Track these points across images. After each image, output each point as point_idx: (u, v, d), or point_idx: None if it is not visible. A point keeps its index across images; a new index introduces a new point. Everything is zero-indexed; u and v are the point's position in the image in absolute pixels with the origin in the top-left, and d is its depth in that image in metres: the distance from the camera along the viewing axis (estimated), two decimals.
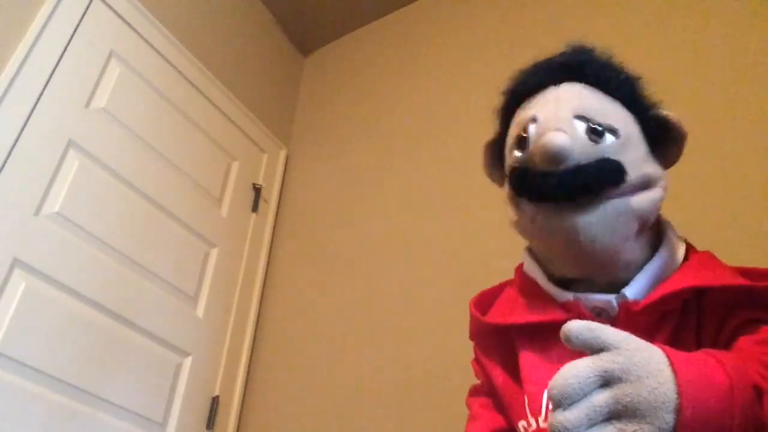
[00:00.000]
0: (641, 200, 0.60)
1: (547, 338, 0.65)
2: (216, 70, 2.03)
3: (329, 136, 2.23)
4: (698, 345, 0.59)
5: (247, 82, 2.19)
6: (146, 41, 1.76)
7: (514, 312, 0.70)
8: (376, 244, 1.81)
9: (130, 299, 1.52)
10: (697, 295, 0.61)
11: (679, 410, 0.40)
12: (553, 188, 0.59)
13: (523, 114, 0.67)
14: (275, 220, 2.15)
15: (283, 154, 2.29)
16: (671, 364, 0.42)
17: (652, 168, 0.63)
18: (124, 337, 1.49)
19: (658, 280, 0.62)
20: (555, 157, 0.58)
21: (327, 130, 2.26)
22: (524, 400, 0.65)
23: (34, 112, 1.40)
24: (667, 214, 0.71)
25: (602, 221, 0.59)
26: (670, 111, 0.67)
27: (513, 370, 0.69)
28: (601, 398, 0.41)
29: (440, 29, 2.14)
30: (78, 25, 1.56)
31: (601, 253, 0.60)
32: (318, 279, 1.88)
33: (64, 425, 1.30)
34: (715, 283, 0.59)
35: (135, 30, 1.73)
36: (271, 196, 2.17)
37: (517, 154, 0.65)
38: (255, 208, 2.07)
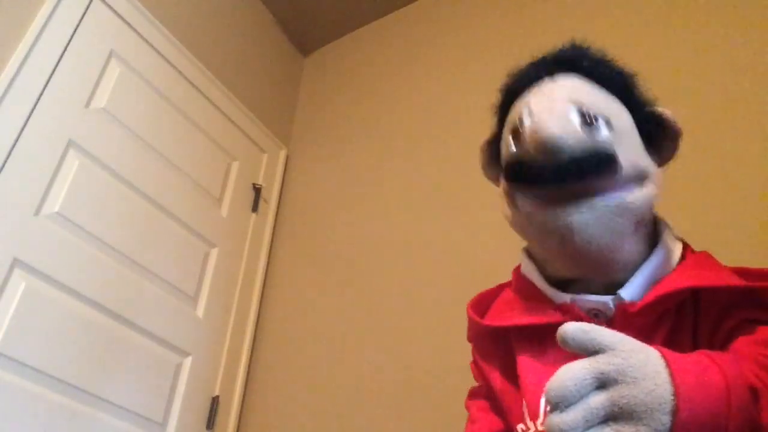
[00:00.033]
0: (636, 196, 0.60)
1: (544, 340, 0.64)
2: (216, 70, 2.03)
3: (329, 136, 2.23)
4: (695, 345, 0.59)
5: (247, 82, 2.19)
6: (146, 41, 1.76)
7: (512, 314, 0.70)
8: (376, 244, 1.81)
9: (130, 299, 1.52)
10: (694, 296, 0.61)
11: (675, 412, 0.40)
12: (546, 177, 0.59)
13: (518, 106, 0.67)
14: (275, 220, 2.15)
15: (283, 154, 2.29)
16: (668, 365, 0.42)
17: (646, 162, 0.63)
18: (124, 337, 1.49)
19: (655, 281, 0.61)
20: (549, 146, 0.58)
21: (327, 130, 2.26)
22: (522, 403, 0.65)
23: (34, 112, 1.40)
24: (666, 214, 0.71)
25: (597, 220, 0.59)
26: (665, 108, 0.67)
27: (511, 372, 0.69)
28: (598, 400, 0.41)
29: (440, 29, 2.14)
30: (78, 25, 1.56)
31: (596, 253, 0.60)
32: (318, 279, 1.88)
33: (64, 425, 1.30)
34: (711, 284, 0.59)
35: (135, 30, 1.73)
36: (271, 196, 2.17)
37: (512, 144, 0.65)
38: (255, 208, 2.07)
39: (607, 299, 0.62)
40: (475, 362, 0.79)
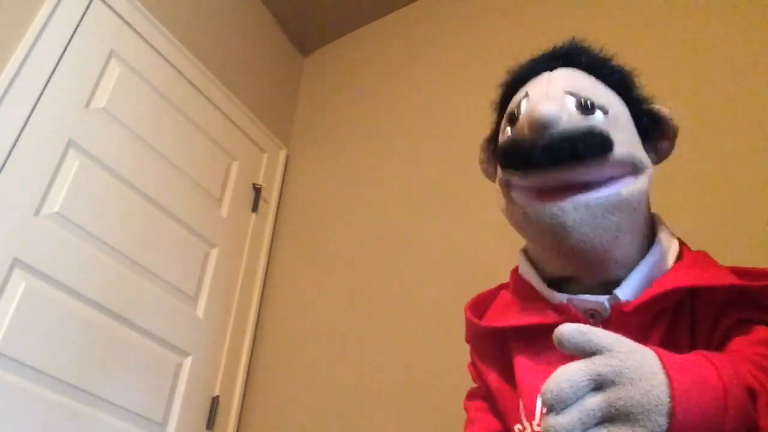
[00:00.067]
0: (631, 189, 0.60)
1: (541, 341, 0.64)
2: (216, 70, 2.03)
3: (329, 136, 2.23)
4: (692, 345, 0.59)
5: (247, 82, 2.19)
6: (146, 41, 1.76)
7: (509, 315, 0.70)
8: (376, 244, 1.81)
9: (130, 299, 1.52)
10: (691, 295, 0.60)
11: (672, 413, 0.40)
12: (539, 155, 0.59)
13: (516, 96, 0.68)
14: (275, 220, 2.15)
15: (283, 154, 2.29)
16: (664, 366, 0.42)
17: (640, 154, 0.63)
18: (124, 337, 1.49)
19: (651, 280, 0.61)
20: (542, 124, 0.58)
21: (327, 130, 2.26)
22: (519, 403, 0.65)
23: (34, 112, 1.40)
24: (666, 214, 0.71)
25: (592, 219, 0.58)
26: (662, 106, 0.67)
27: (508, 373, 0.69)
28: (594, 402, 0.41)
29: (440, 29, 2.13)
30: (78, 25, 1.56)
31: (591, 252, 0.60)
32: (318, 279, 1.88)
33: (64, 425, 1.30)
34: (707, 283, 0.59)
35: (135, 30, 1.73)
36: (271, 196, 2.17)
37: (509, 130, 0.66)
38: (255, 208, 2.07)
39: (603, 299, 0.62)
40: (473, 363, 0.79)
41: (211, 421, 1.67)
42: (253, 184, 2.09)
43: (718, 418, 0.41)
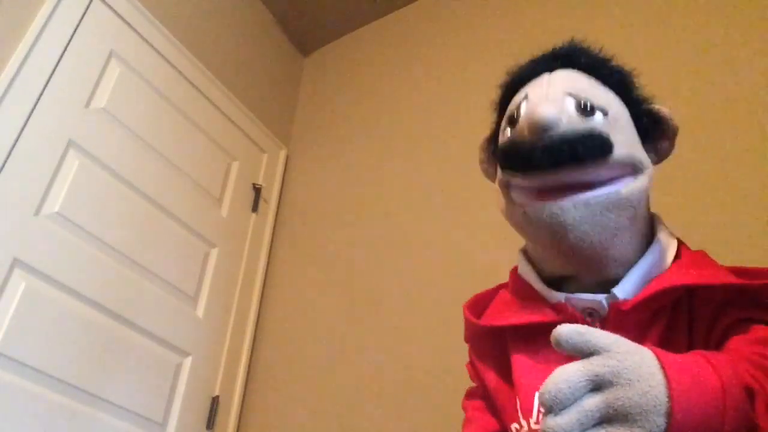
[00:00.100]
0: (630, 189, 0.60)
1: (539, 340, 0.64)
2: (216, 70, 2.03)
3: (329, 136, 2.23)
4: (690, 344, 0.59)
5: (247, 82, 2.19)
6: (146, 41, 1.77)
7: (507, 314, 0.71)
8: (376, 244, 1.81)
9: (130, 299, 1.52)
10: (689, 294, 0.61)
11: (670, 413, 0.40)
12: (539, 157, 0.59)
13: (516, 97, 0.68)
14: (275, 220, 2.15)
15: (283, 154, 2.29)
16: (662, 367, 0.42)
17: (641, 155, 0.63)
18: (124, 337, 1.49)
19: (650, 279, 0.61)
20: (542, 126, 0.58)
21: (327, 130, 2.26)
22: (516, 402, 0.65)
23: (34, 112, 1.40)
24: (666, 214, 0.71)
25: (591, 217, 0.59)
26: (662, 106, 0.67)
27: (506, 372, 0.69)
28: (593, 402, 0.41)
29: (440, 29, 2.14)
30: (78, 25, 1.56)
31: (589, 250, 0.60)
32: (318, 279, 1.88)
33: (64, 425, 1.30)
34: (706, 282, 0.59)
35: (135, 30, 1.73)
36: (271, 196, 2.17)
37: (509, 132, 0.66)
38: (255, 208, 2.07)
39: (601, 298, 0.62)
40: (471, 362, 0.79)
41: (211, 421, 1.67)
42: (253, 184, 2.09)
43: (717, 418, 0.41)
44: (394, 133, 2.02)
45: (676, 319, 0.60)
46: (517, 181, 0.63)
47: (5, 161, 1.32)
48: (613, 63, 0.68)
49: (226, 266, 1.88)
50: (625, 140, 0.62)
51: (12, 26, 1.42)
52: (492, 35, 1.96)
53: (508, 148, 0.64)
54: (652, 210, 0.70)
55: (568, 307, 0.63)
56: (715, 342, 0.58)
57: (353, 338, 1.68)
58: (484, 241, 1.57)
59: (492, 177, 0.75)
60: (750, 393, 0.44)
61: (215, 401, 1.70)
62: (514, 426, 0.65)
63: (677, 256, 0.65)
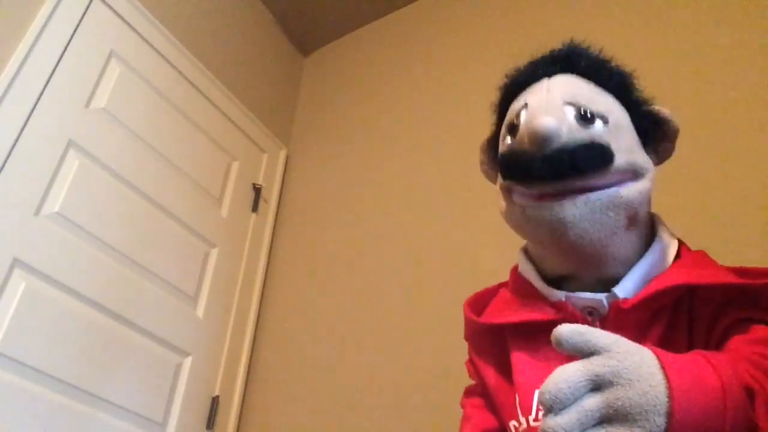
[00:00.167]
0: (630, 191, 0.60)
1: (538, 338, 0.65)
2: (216, 70, 2.03)
3: (329, 136, 2.23)
4: (690, 344, 0.59)
5: (247, 82, 2.19)
6: (146, 41, 1.77)
7: (508, 312, 0.71)
8: (376, 244, 1.81)
9: (130, 299, 1.52)
10: (690, 294, 0.61)
11: (670, 413, 0.40)
12: (540, 168, 0.59)
13: (515, 104, 0.68)
14: (275, 220, 2.15)
15: (283, 154, 2.29)
16: (662, 367, 0.42)
17: (641, 158, 0.63)
18: (124, 337, 1.49)
19: (650, 278, 0.61)
20: (542, 138, 0.58)
21: (327, 130, 2.26)
22: (515, 400, 0.66)
23: (34, 112, 1.40)
24: (666, 214, 0.71)
25: (591, 215, 0.59)
26: (663, 107, 0.67)
27: (506, 370, 0.70)
28: (593, 402, 0.41)
29: (440, 29, 2.14)
30: (78, 25, 1.56)
31: (589, 247, 0.60)
32: (318, 279, 1.88)
33: (64, 425, 1.30)
34: (706, 281, 0.59)
35: (135, 30, 1.73)
36: (271, 196, 2.17)
37: (509, 139, 0.66)
38: (255, 208, 2.07)
39: (602, 296, 0.62)
40: (470, 360, 0.80)
41: (211, 421, 1.67)
42: (253, 184, 2.09)
43: (717, 418, 0.41)
44: (394, 133, 2.02)
45: (676, 318, 0.61)
46: (518, 188, 0.63)
47: (5, 161, 1.32)
48: (613, 65, 0.68)
49: (226, 266, 1.88)
50: (626, 146, 0.62)
51: (12, 26, 1.42)
52: (492, 35, 1.96)
53: (509, 158, 0.64)
54: (653, 210, 0.70)
55: (568, 306, 0.63)
56: (715, 342, 0.58)
57: (353, 338, 1.68)
58: (484, 241, 1.57)
59: (492, 178, 0.76)
60: (750, 393, 0.44)
61: (215, 401, 1.70)
62: (513, 423, 0.66)
63: (678, 256, 0.65)
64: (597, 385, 0.42)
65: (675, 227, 0.70)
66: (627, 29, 1.63)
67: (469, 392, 0.83)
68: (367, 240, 1.85)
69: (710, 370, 0.43)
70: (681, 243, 0.67)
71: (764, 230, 1.18)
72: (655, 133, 0.67)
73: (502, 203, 0.68)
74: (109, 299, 1.47)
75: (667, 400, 0.40)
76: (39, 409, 1.26)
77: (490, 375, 0.73)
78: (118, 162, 1.58)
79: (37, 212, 1.37)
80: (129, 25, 1.72)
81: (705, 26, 1.50)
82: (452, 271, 1.60)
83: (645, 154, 0.65)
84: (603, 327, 0.61)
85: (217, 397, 1.71)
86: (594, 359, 0.43)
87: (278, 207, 2.19)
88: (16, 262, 1.29)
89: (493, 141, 0.74)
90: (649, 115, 0.67)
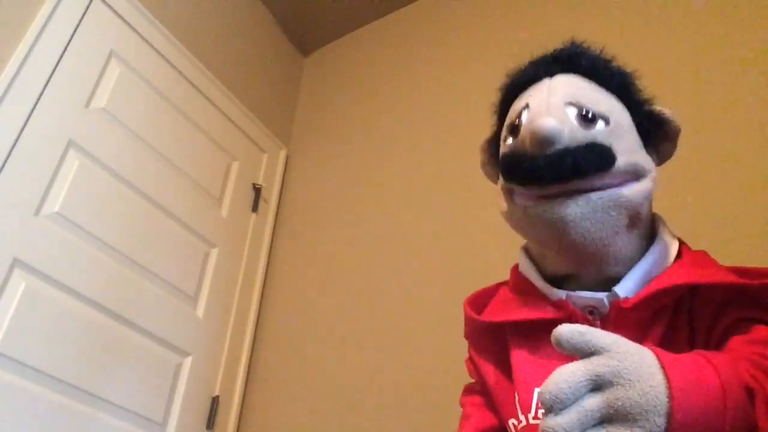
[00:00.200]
0: (632, 191, 0.60)
1: (539, 336, 0.65)
2: (216, 70, 2.03)
3: (329, 136, 2.23)
4: (691, 343, 0.60)
5: (247, 82, 2.19)
6: (146, 41, 1.77)
7: (508, 310, 0.71)
8: (376, 244, 1.81)
9: (130, 299, 1.52)
10: (690, 293, 0.61)
11: (670, 413, 0.40)
12: (541, 170, 0.59)
13: (516, 104, 0.68)
14: (275, 220, 2.15)
15: (283, 154, 2.29)
16: (662, 367, 0.42)
17: (643, 159, 0.63)
18: (124, 337, 1.49)
19: (651, 278, 0.61)
20: (544, 139, 0.58)
21: (327, 130, 2.26)
22: (515, 398, 0.66)
23: (34, 112, 1.40)
24: (666, 214, 0.71)
25: (592, 214, 0.59)
26: (664, 107, 0.67)
27: (506, 368, 0.70)
28: (593, 402, 0.41)
29: (440, 29, 2.14)
30: (78, 25, 1.56)
31: (591, 247, 0.60)
32: (318, 279, 1.88)
33: (64, 425, 1.30)
34: (707, 281, 0.59)
35: (135, 30, 1.73)
36: (271, 196, 2.17)
37: (510, 140, 0.66)
38: (255, 208, 2.07)
39: (602, 296, 0.62)
40: (470, 358, 0.80)
41: (211, 421, 1.67)
42: (253, 184, 2.09)
43: (717, 418, 0.41)
44: (394, 133, 2.02)
45: (677, 318, 0.61)
46: (520, 189, 0.63)
47: (5, 161, 1.32)
48: (614, 65, 0.68)
49: (226, 266, 1.88)
50: (627, 147, 0.62)
51: (12, 26, 1.42)
52: (492, 35, 1.96)
53: (510, 159, 0.64)
54: (653, 210, 0.70)
55: (569, 305, 0.63)
56: (715, 342, 0.58)
57: (353, 338, 1.68)
58: (484, 241, 1.57)
59: (493, 178, 0.76)
60: (750, 393, 0.44)
61: (215, 401, 1.70)
62: (512, 422, 0.66)
63: (678, 256, 0.65)
64: (597, 385, 0.42)
65: (675, 227, 0.70)
66: (627, 29, 1.63)
67: (468, 390, 0.83)
68: (367, 240, 1.85)
69: (710, 370, 0.43)
70: (682, 243, 0.67)
71: (764, 230, 1.18)
72: (656, 134, 0.67)
73: (503, 203, 0.68)
74: (109, 299, 1.47)
75: (667, 400, 0.41)
76: (39, 409, 1.26)
77: (490, 373, 0.73)
78: (118, 162, 1.58)
79: (37, 212, 1.37)
80: (129, 25, 1.72)
81: (705, 26, 1.50)
82: (452, 271, 1.60)
83: (646, 155, 0.65)
84: (604, 326, 0.61)
85: (217, 397, 1.72)
86: (594, 359, 0.43)
87: (278, 207, 2.19)
88: (16, 262, 1.29)
89: (494, 141, 0.74)
90: (651, 115, 0.67)
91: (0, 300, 1.25)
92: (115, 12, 1.68)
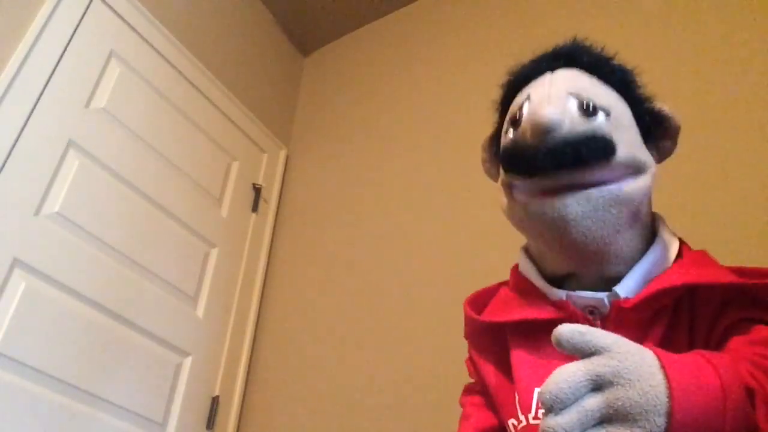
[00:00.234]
0: (632, 187, 0.60)
1: (539, 336, 0.65)
2: (216, 70, 2.03)
3: (329, 136, 2.23)
4: (691, 344, 0.59)
5: (247, 82, 2.19)
6: (146, 41, 1.77)
7: (508, 310, 0.71)
8: (376, 244, 1.81)
9: (130, 299, 1.52)
10: (691, 293, 0.61)
11: (670, 413, 0.40)
12: (542, 159, 0.59)
13: (518, 98, 0.68)
14: (275, 220, 2.15)
15: (283, 154, 2.29)
16: (663, 367, 0.42)
17: (643, 154, 0.63)
18: (124, 337, 1.49)
19: (651, 278, 0.61)
20: (545, 129, 0.58)
21: (327, 130, 2.26)
22: (515, 398, 0.66)
23: (34, 112, 1.40)
24: (666, 213, 0.71)
25: (593, 212, 0.59)
26: (664, 104, 0.68)
27: (506, 368, 0.70)
28: (593, 402, 0.41)
29: (440, 29, 2.14)
30: (78, 25, 1.56)
31: (591, 245, 0.60)
32: (318, 279, 1.88)
33: (64, 425, 1.30)
34: (707, 281, 0.59)
35: (135, 30, 1.73)
36: (271, 196, 2.17)
37: (511, 133, 0.66)
38: (255, 208, 2.07)
39: (602, 296, 0.62)
40: (470, 358, 0.80)
41: (211, 421, 1.67)
42: (253, 184, 2.09)
43: (717, 419, 0.41)
44: (394, 133, 2.02)
45: (677, 318, 0.61)
46: (520, 182, 0.63)
47: (5, 161, 1.32)
48: (615, 62, 0.68)
49: (226, 266, 1.88)
50: (628, 140, 0.62)
51: (12, 26, 1.42)
52: (492, 35, 1.96)
53: (511, 150, 0.64)
54: (653, 210, 0.70)
55: (569, 305, 0.63)
56: (715, 342, 0.58)
57: (353, 338, 1.68)
58: (484, 241, 1.57)
59: (494, 177, 0.75)
60: (750, 393, 0.44)
61: (215, 401, 1.70)
62: (512, 422, 0.66)
63: (679, 256, 0.65)
64: (597, 385, 0.42)
65: (675, 227, 0.70)
66: (627, 29, 1.63)
67: (468, 390, 0.83)
68: (367, 240, 1.85)
69: (710, 370, 0.43)
70: (682, 242, 0.67)
71: (764, 230, 1.18)
72: (657, 131, 0.67)
73: (504, 200, 0.68)
74: (109, 299, 1.47)
75: (667, 400, 0.40)
76: (39, 409, 1.26)
77: (490, 373, 0.73)
78: (118, 162, 1.58)
79: (37, 212, 1.37)
80: (129, 25, 1.72)
81: (705, 26, 1.50)
82: (452, 271, 1.60)
83: (646, 151, 0.65)
84: (604, 326, 0.61)
85: (217, 397, 1.71)
86: (594, 359, 0.43)
87: (278, 207, 2.19)
88: (16, 262, 1.29)
89: (495, 139, 0.74)
90: (651, 112, 0.67)
91: (0, 300, 1.25)
92: (115, 12, 1.68)
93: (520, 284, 0.72)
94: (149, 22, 1.79)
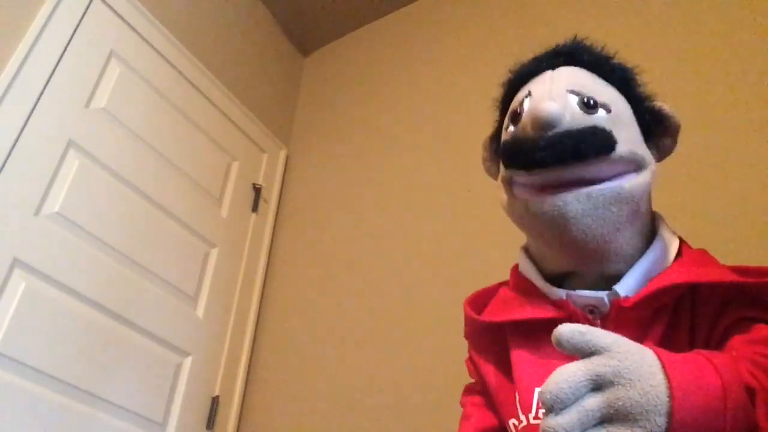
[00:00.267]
0: (632, 184, 0.60)
1: (539, 336, 0.65)
2: (216, 70, 2.03)
3: (329, 136, 2.23)
4: (691, 343, 0.59)
5: (247, 82, 2.19)
6: (146, 41, 1.77)
7: (508, 310, 0.71)
8: (376, 244, 1.81)
9: (130, 299, 1.52)
10: (691, 292, 0.61)
11: (671, 413, 0.40)
12: (541, 152, 0.59)
13: (519, 94, 0.68)
14: (275, 220, 2.15)
15: (283, 154, 2.29)
16: (663, 366, 0.42)
17: (643, 151, 0.63)
18: (124, 337, 1.49)
19: (651, 276, 0.61)
20: (545, 122, 0.58)
21: (327, 130, 2.26)
22: (515, 398, 0.66)
23: (34, 112, 1.40)
24: (666, 213, 0.71)
25: (593, 210, 0.59)
26: (664, 103, 0.68)
27: (506, 368, 0.70)
28: (593, 402, 0.41)
29: (440, 29, 2.14)
30: (78, 25, 1.56)
31: (592, 243, 0.60)
32: (318, 279, 1.88)
33: (64, 425, 1.30)
34: (707, 280, 0.59)
35: (135, 30, 1.73)
36: (271, 196, 2.17)
37: (511, 128, 0.66)
38: (255, 208, 2.07)
39: (603, 295, 0.62)
40: (470, 358, 0.80)
41: (211, 421, 1.67)
42: (253, 184, 2.09)
43: (718, 418, 0.41)
44: (394, 133, 2.02)
45: (677, 317, 0.60)
46: (520, 177, 0.63)
47: (5, 161, 1.32)
48: (616, 60, 0.69)
49: (226, 266, 1.88)
50: (628, 137, 0.62)
51: (12, 26, 1.42)
52: (492, 35, 1.96)
53: (511, 144, 0.64)
54: (653, 209, 0.70)
55: (569, 304, 0.63)
56: (716, 341, 0.58)
57: (353, 338, 1.68)
58: (484, 241, 1.57)
59: (495, 175, 0.75)
60: (751, 393, 0.44)
61: (215, 401, 1.70)
62: (513, 422, 0.66)
63: (678, 254, 0.65)
64: (598, 385, 0.42)
65: (675, 227, 0.70)
66: (627, 29, 1.63)
67: (468, 390, 0.83)
68: (367, 240, 1.85)
69: (711, 370, 0.43)
70: (682, 241, 0.67)
71: (764, 230, 1.18)
72: (657, 129, 0.67)
73: (504, 197, 0.68)
74: (109, 299, 1.47)
75: (667, 399, 0.40)
76: (39, 409, 1.26)
77: (490, 373, 0.73)
78: (118, 162, 1.58)
79: (37, 212, 1.37)
80: (129, 25, 1.72)
81: (705, 26, 1.50)
82: (452, 271, 1.60)
83: (646, 148, 0.65)
84: (604, 325, 0.61)
85: (217, 397, 1.71)
86: (595, 359, 0.43)
87: (278, 207, 2.19)
88: (16, 262, 1.29)
89: (496, 138, 0.74)
90: (651, 111, 0.67)
91: (0, 300, 1.25)
92: (115, 12, 1.68)
93: (520, 284, 0.72)
94: (149, 22, 1.79)
